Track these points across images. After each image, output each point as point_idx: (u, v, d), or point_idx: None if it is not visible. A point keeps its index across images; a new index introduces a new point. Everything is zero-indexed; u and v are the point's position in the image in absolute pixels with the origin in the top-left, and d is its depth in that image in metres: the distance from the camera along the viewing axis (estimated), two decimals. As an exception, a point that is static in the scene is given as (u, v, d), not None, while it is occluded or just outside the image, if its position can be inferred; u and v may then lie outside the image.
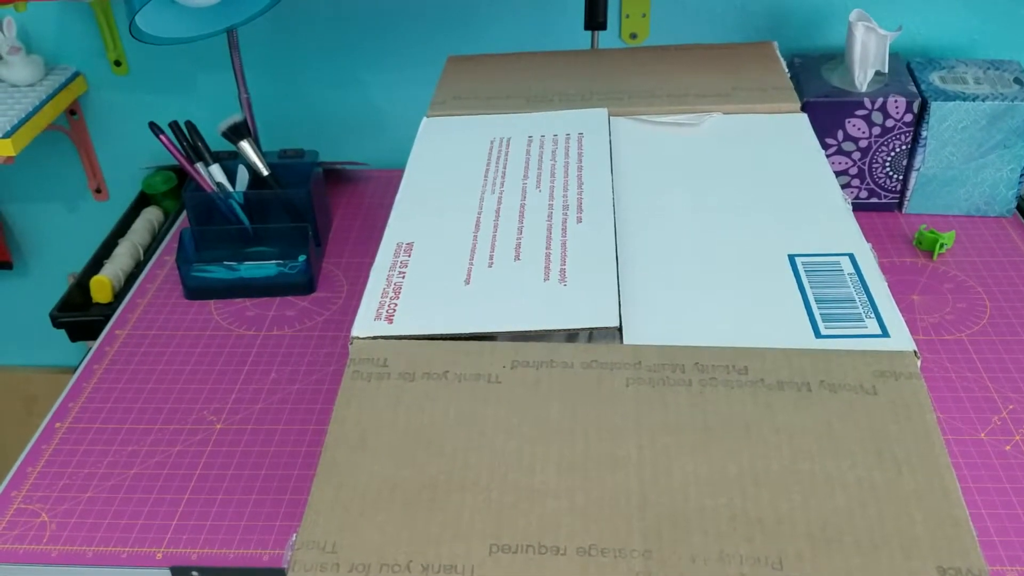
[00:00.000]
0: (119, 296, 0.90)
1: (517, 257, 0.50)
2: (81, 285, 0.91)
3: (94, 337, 0.83)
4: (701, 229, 0.53)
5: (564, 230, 0.52)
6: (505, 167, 0.60)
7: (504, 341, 0.45)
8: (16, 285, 1.25)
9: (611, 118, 0.65)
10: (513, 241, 0.52)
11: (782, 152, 0.60)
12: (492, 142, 0.63)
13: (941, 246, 0.86)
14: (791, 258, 0.50)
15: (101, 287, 0.90)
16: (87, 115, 1.10)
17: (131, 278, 0.93)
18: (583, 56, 0.76)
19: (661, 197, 0.56)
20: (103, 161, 1.14)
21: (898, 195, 0.92)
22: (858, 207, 0.93)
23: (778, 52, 0.74)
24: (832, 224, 0.52)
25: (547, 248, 0.51)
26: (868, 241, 0.51)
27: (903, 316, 0.47)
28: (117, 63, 1.05)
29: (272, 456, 0.67)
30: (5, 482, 0.66)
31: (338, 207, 0.99)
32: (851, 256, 0.49)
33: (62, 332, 0.89)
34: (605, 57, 0.75)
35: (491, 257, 0.51)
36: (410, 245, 0.52)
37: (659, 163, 0.60)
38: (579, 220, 0.53)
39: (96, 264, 0.94)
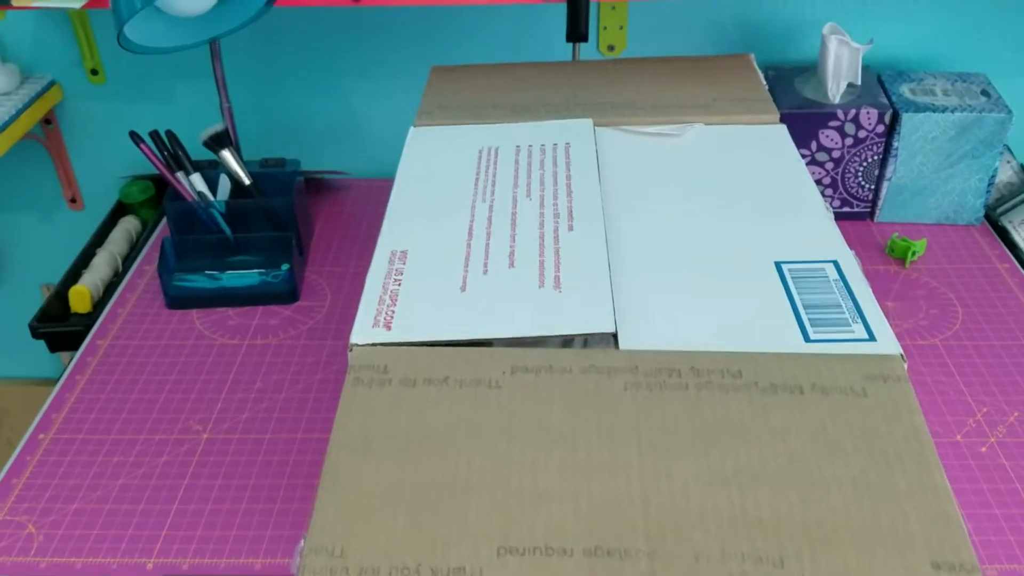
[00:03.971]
0: (98, 306, 0.89)
1: (511, 264, 0.51)
2: (59, 295, 0.90)
3: (74, 348, 0.82)
4: (689, 237, 0.54)
5: (556, 237, 0.53)
6: (495, 176, 0.60)
7: (501, 347, 0.46)
8: (-13, 296, 1.24)
9: (596, 128, 0.66)
10: (507, 248, 0.53)
11: (764, 162, 0.62)
12: (480, 151, 0.64)
13: (913, 254, 0.88)
14: (777, 265, 0.51)
15: (80, 297, 0.89)
16: (62, 124, 1.09)
17: (110, 288, 0.92)
18: (566, 68, 0.77)
19: (648, 206, 0.57)
20: (78, 171, 1.13)
21: (870, 204, 0.95)
22: (832, 216, 0.95)
23: (755, 64, 0.76)
24: (815, 232, 0.54)
25: (540, 255, 0.52)
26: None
27: (885, 321, 0.48)
28: (94, 72, 1.05)
29: (260, 465, 0.67)
30: (-12, 494, 0.65)
31: (319, 216, 1.00)
32: (835, 263, 0.51)
33: (32, 344, 0.87)
34: (587, 68, 0.76)
35: (485, 264, 0.52)
36: (404, 253, 0.53)
37: (645, 173, 0.61)
38: (570, 228, 0.54)
39: (74, 274, 0.94)
